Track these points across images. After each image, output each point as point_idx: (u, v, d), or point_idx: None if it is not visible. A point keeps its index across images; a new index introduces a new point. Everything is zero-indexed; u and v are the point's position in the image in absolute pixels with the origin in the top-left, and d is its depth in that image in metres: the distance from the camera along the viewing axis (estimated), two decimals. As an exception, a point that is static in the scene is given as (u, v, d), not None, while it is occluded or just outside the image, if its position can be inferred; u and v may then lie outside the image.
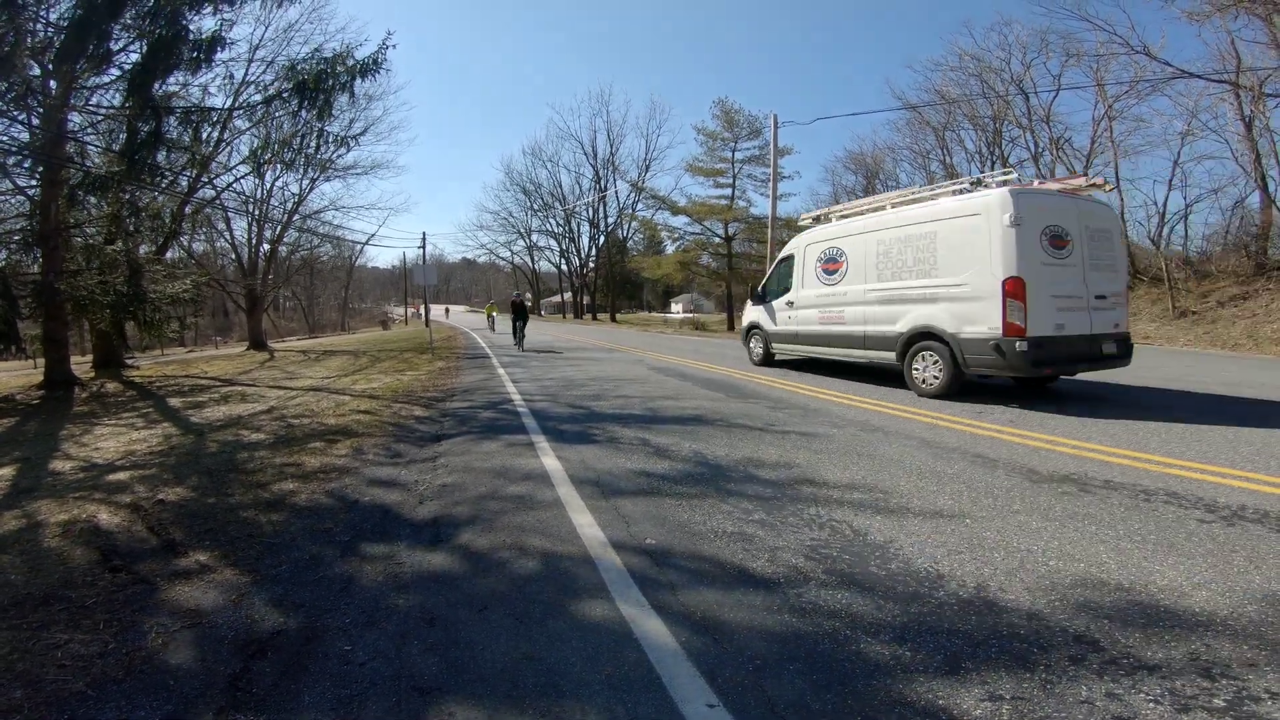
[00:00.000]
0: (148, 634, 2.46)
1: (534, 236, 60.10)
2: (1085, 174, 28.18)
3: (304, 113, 11.01)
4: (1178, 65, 21.29)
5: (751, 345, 11.62)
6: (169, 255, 17.13)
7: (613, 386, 9.20)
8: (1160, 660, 2.08)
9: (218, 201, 20.71)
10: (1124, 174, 29.60)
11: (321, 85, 10.16)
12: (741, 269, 30.67)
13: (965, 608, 2.46)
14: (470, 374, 11.78)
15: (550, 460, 4.87)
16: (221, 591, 2.83)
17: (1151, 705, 1.86)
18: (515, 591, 2.69)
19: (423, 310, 41.96)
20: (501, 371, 11.88)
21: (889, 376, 9.04)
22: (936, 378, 7.39)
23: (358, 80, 10.46)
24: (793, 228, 30.82)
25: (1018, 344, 6.54)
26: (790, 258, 10.18)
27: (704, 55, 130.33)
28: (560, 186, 56.31)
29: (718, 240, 31.70)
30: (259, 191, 24.47)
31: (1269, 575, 2.68)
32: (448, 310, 64.16)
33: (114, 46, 9.54)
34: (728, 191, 31.47)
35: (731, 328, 30.66)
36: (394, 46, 10.16)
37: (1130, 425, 5.74)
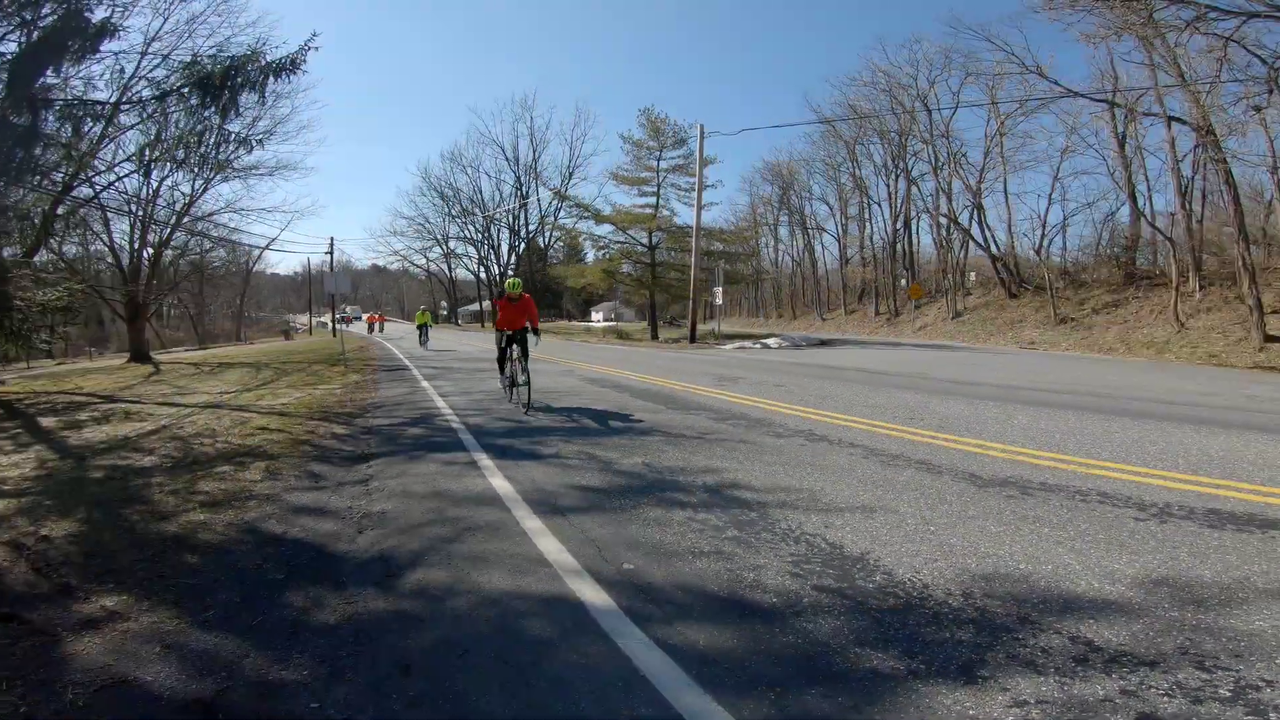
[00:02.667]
0: (63, 695, 2.06)
1: (451, 243, 58.51)
2: (979, 185, 30.30)
3: (205, 110, 10.13)
4: (1065, 85, 23.22)
5: None
6: (38, 259, 15.20)
7: (549, 400, 8.93)
8: (1155, 656, 2.15)
9: (96, 201, 18.66)
10: (1011, 188, 32.29)
11: (228, 82, 9.36)
12: (664, 278, 30.93)
13: (959, 615, 2.47)
14: (391, 387, 11.14)
15: (499, 481, 4.58)
16: (142, 642, 2.42)
17: (1166, 699, 1.90)
18: (495, 631, 2.44)
19: (365, 320, 44.40)
20: (425, 384, 11.31)
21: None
22: None
23: (271, 79, 9.72)
24: (716, 237, 31.59)
25: None
26: None
27: (631, 67, 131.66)
28: (480, 192, 55.27)
29: (641, 249, 31.82)
30: (144, 191, 22.31)
31: (1217, 569, 2.85)
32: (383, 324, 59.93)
33: None
34: (652, 200, 31.69)
35: (655, 336, 30.77)
36: (316, 49, 9.49)
37: (1046, 428, 6.11)
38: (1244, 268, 16.47)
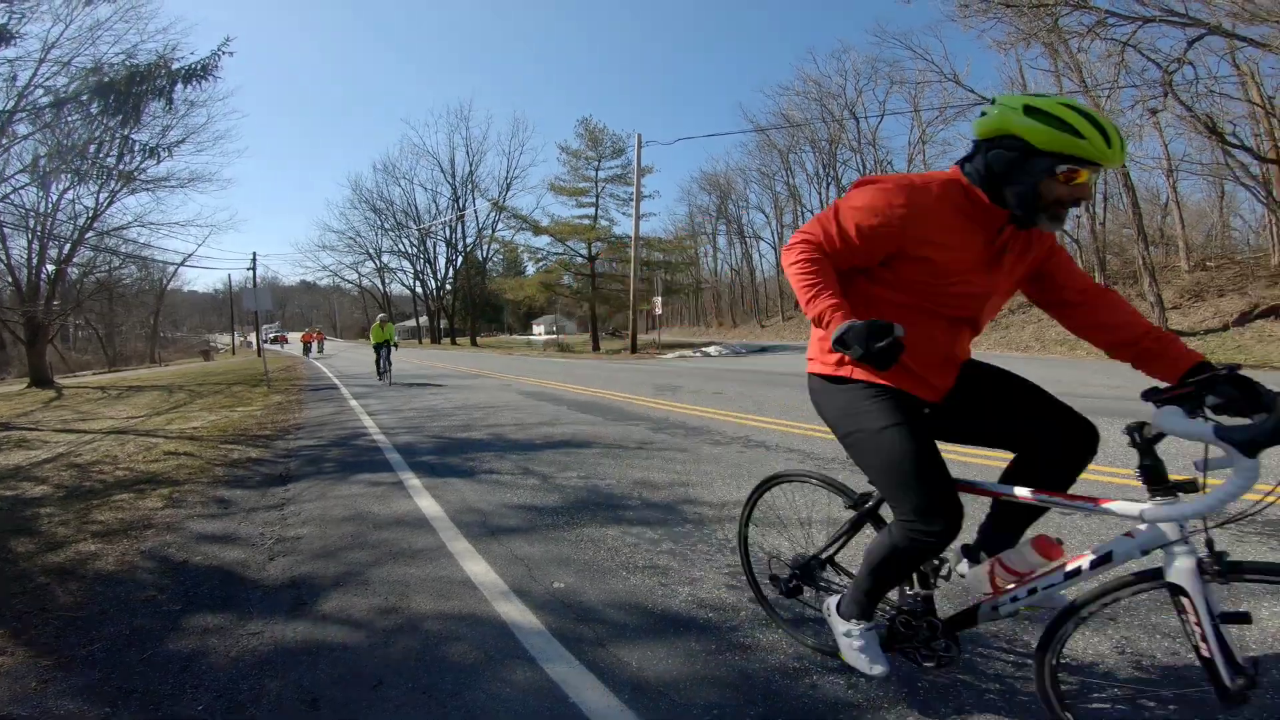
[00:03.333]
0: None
1: (385, 258, 56.50)
2: None
3: (107, 119, 9.50)
4: (979, 92, 24.46)
5: None
6: None
7: (483, 415, 8.68)
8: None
9: (-12, 216, 17.19)
10: None
11: (133, 89, 8.81)
12: (604, 289, 30.85)
13: None
14: (316, 407, 10.63)
15: (425, 501, 4.36)
16: (14, 680, 2.18)
17: None
18: (413, 660, 2.26)
19: (301, 339, 39.65)
20: (354, 403, 10.84)
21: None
22: None
23: (179, 86, 9.20)
24: (655, 246, 31.76)
25: None
26: None
27: (567, 78, 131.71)
28: (415, 205, 53.54)
29: (581, 260, 31.68)
30: (43, 205, 20.69)
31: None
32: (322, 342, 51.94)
33: None
34: (591, 211, 31.72)
35: (597, 348, 30.62)
36: (231, 54, 9.04)
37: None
38: (1144, 267, 17.70)
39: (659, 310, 28.14)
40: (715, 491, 4.35)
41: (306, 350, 35.74)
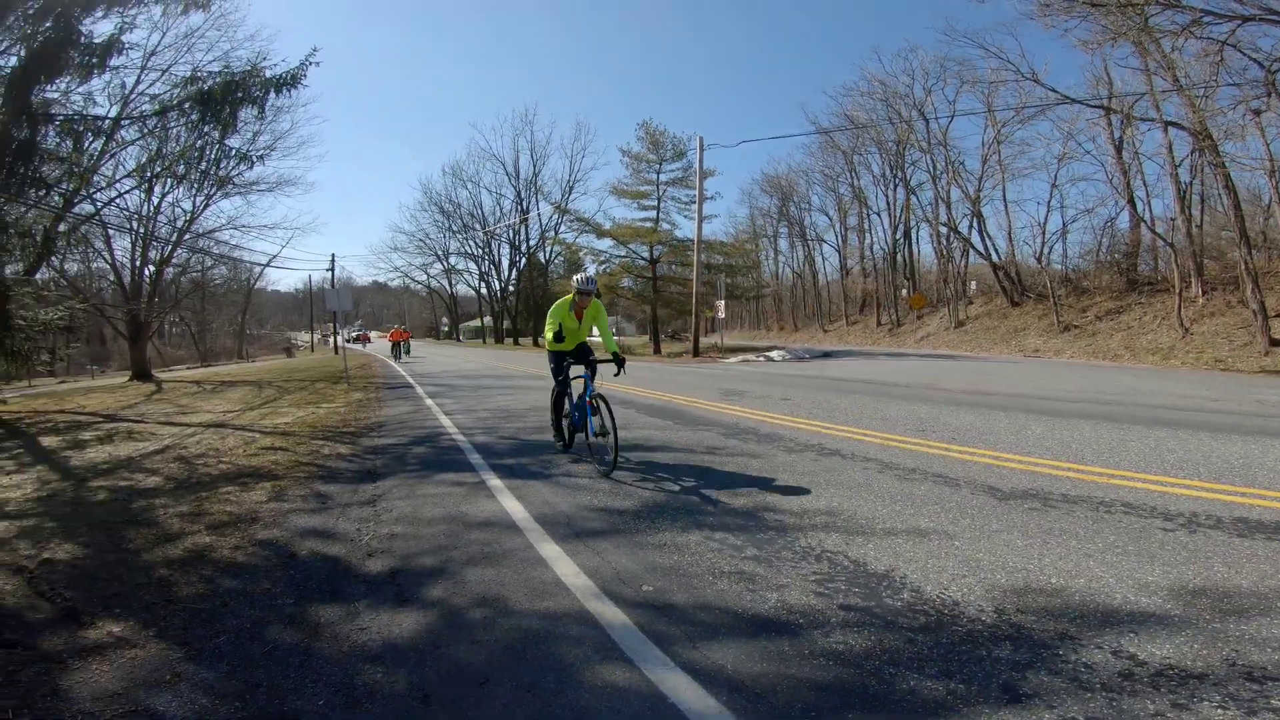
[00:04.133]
0: (69, 730, 1.98)
1: (452, 259, 58.32)
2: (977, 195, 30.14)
3: (205, 126, 10.09)
4: (1061, 91, 23.15)
5: None
6: (39, 276, 15.11)
7: (553, 415, 8.84)
8: (1203, 669, 2.10)
9: (98, 218, 18.60)
10: (1011, 196, 32.23)
11: (229, 98, 9.35)
12: (666, 292, 30.86)
13: (995, 633, 2.41)
14: (394, 406, 11.07)
15: (510, 502, 4.49)
16: (150, 670, 2.35)
17: (1219, 711, 1.85)
18: (514, 658, 2.35)
19: (388, 338, 36.73)
20: (430, 402, 11.24)
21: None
22: None
23: (272, 94, 9.72)
24: (716, 250, 31.60)
25: None
26: None
27: (628, 81, 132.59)
28: (481, 207, 55.04)
29: (642, 263, 31.81)
30: (145, 208, 22.29)
31: (1253, 578, 2.78)
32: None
33: None
34: (652, 214, 31.73)
35: (658, 351, 30.68)
36: (318, 64, 9.50)
37: (1062, 438, 6.02)
38: (1246, 272, 16.43)
39: (722, 314, 27.94)
40: (793, 499, 4.31)
41: (395, 353, 30.29)
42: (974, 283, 33.71)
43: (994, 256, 31.01)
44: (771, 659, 2.26)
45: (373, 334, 71.79)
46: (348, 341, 49.37)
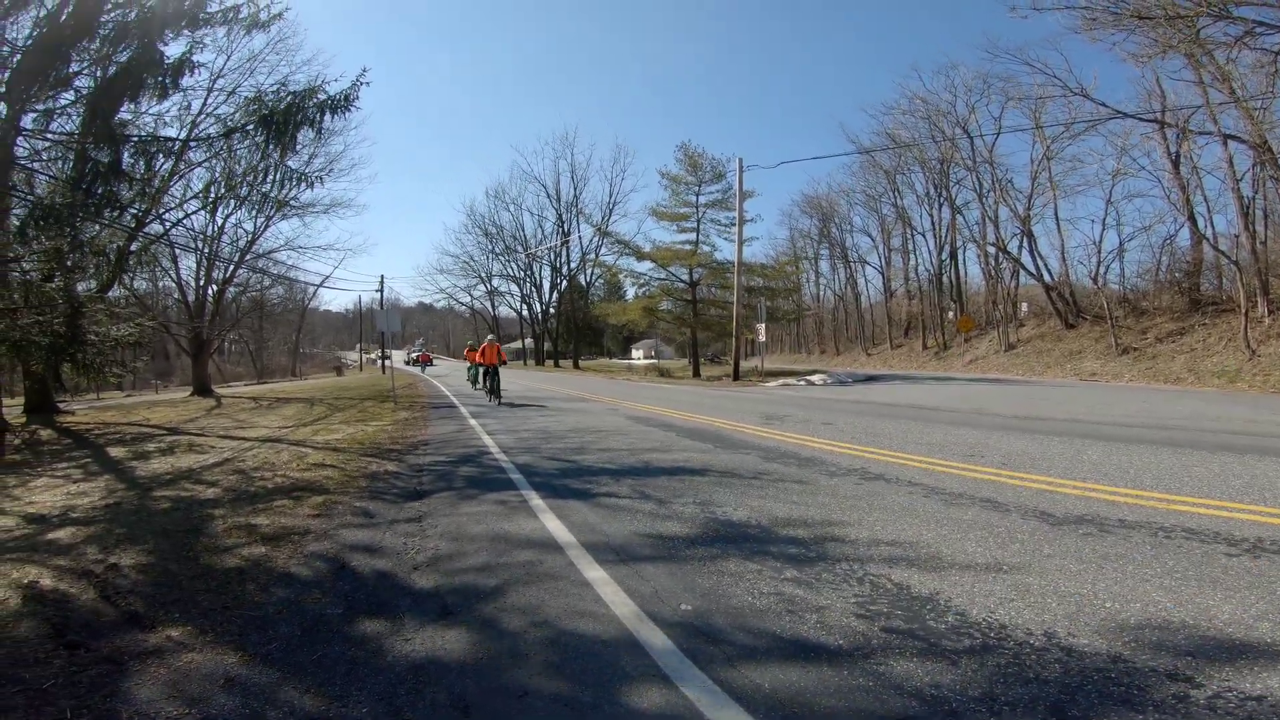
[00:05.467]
0: (128, 729, 2.08)
1: (494, 281, 59.41)
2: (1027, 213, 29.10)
3: (268, 147, 10.50)
4: (1112, 105, 22.45)
5: None
6: (111, 294, 15.99)
7: (595, 439, 8.90)
8: (1261, 691, 2.03)
9: (166, 238, 19.63)
10: (1063, 214, 31.05)
11: (289, 119, 9.75)
12: (706, 315, 30.79)
13: (1044, 656, 2.35)
14: (439, 425, 11.32)
15: (552, 522, 4.54)
16: (207, 674, 2.45)
17: None
18: (554, 673, 2.38)
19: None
20: (473, 422, 11.44)
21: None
22: None
23: (326, 116, 10.08)
24: (756, 272, 31.45)
25: None
26: None
27: (667, 100, 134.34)
28: (523, 229, 55.97)
29: (681, 285, 31.86)
30: (210, 228, 23.44)
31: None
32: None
33: (75, 69, 9.00)
34: (692, 236, 31.66)
35: (697, 374, 30.58)
36: (368, 84, 9.88)
37: (1119, 463, 5.79)
38: (1315, 290, 15.58)
39: (762, 338, 27.71)
40: (834, 522, 4.24)
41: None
42: (1025, 304, 32.69)
43: (1046, 277, 30.07)
44: (810, 680, 2.24)
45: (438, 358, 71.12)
46: (406, 363, 50.03)
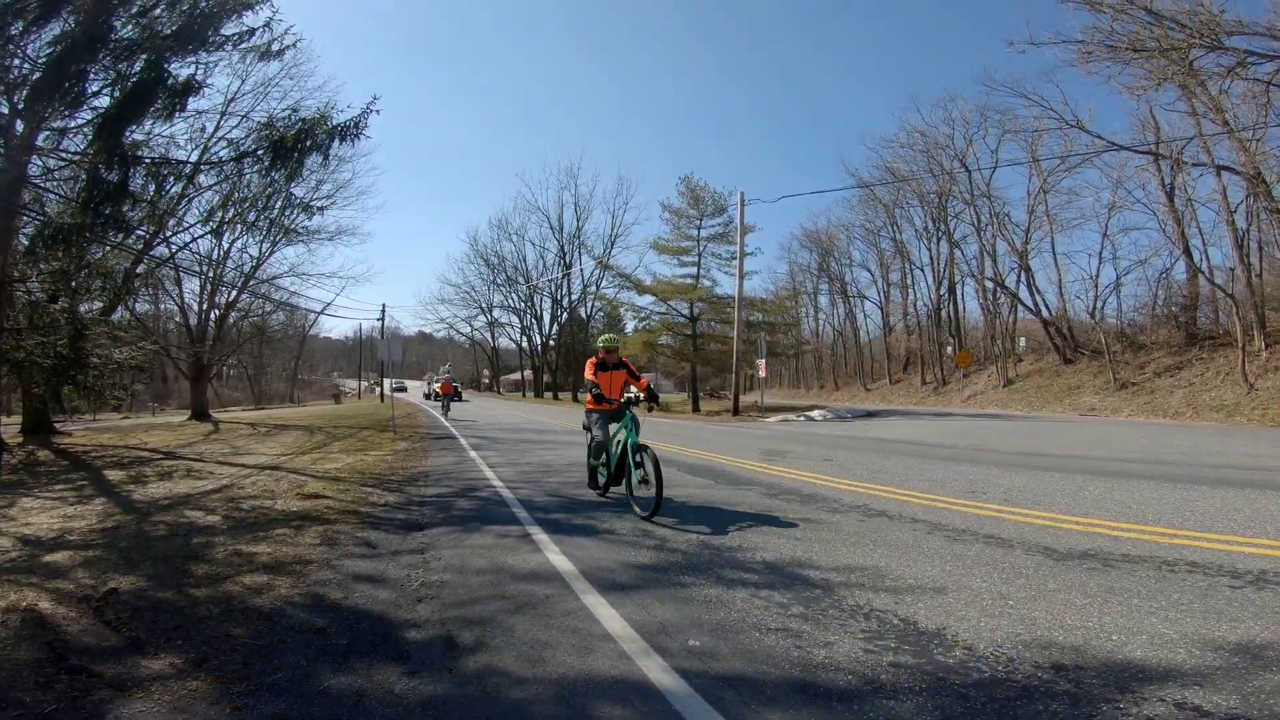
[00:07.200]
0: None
1: (495, 312, 59.53)
2: (1024, 247, 29.20)
3: (274, 173, 10.44)
4: (1107, 138, 22.71)
5: None
6: (113, 316, 15.94)
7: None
8: (1268, 718, 2.06)
9: (172, 261, 19.59)
10: (1060, 248, 31.28)
11: (300, 145, 9.77)
12: (705, 349, 30.81)
13: (1053, 688, 2.36)
14: (439, 456, 11.29)
15: (555, 556, 4.51)
16: (211, 703, 2.43)
17: None
18: (559, 705, 2.37)
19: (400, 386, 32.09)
20: (473, 454, 11.41)
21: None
22: None
23: (335, 142, 10.07)
24: (756, 307, 31.59)
25: None
26: None
27: (668, 133, 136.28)
28: (524, 261, 56.24)
29: (682, 320, 31.95)
30: (215, 252, 23.44)
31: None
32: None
33: (90, 88, 9.05)
34: (693, 270, 31.76)
35: (697, 409, 30.48)
36: (378, 111, 9.96)
37: (1121, 499, 5.80)
38: (1310, 322, 15.70)
39: (763, 373, 27.71)
40: (839, 558, 4.24)
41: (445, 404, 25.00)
42: (1023, 339, 32.81)
43: (1044, 312, 30.20)
44: (819, 713, 2.23)
45: (413, 384, 68.63)
46: (426, 397, 47.08)
